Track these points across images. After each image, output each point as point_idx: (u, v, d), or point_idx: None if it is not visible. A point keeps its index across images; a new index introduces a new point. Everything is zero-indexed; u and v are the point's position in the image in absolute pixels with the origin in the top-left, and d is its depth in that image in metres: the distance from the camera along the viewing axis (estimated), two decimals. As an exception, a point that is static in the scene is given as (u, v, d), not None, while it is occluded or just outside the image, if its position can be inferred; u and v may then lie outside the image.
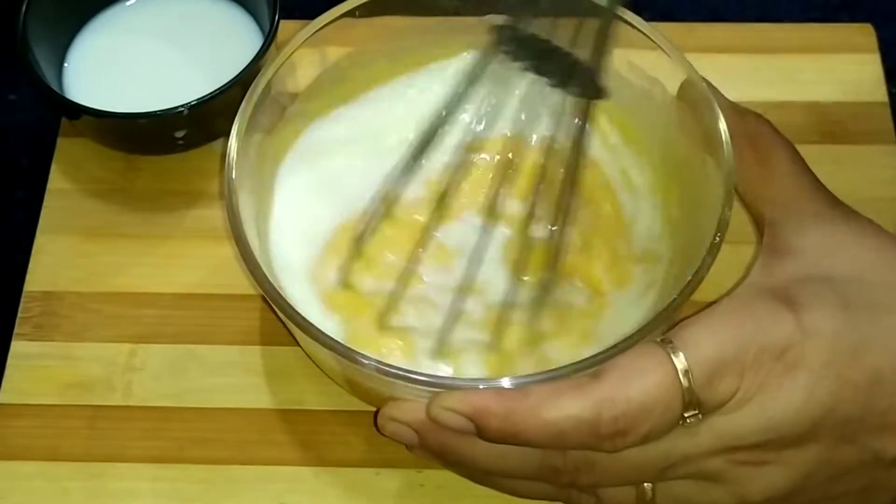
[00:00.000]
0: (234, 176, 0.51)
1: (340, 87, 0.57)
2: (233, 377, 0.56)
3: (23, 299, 0.59)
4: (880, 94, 0.63)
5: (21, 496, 0.54)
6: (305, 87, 0.56)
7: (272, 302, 0.49)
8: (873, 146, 0.62)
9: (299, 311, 0.48)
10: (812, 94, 0.63)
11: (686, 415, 0.44)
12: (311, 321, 0.48)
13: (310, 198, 0.56)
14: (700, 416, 0.44)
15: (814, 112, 0.63)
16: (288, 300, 0.48)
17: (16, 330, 0.58)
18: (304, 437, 0.55)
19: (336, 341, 0.47)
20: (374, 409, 0.53)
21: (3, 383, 0.56)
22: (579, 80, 0.47)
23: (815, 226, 0.49)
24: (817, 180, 0.50)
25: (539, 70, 0.48)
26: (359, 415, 0.54)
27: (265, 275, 0.49)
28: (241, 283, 0.58)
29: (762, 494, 0.46)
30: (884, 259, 0.48)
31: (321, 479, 0.54)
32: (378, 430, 0.49)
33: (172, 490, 0.54)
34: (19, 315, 0.58)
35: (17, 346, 0.57)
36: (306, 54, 0.55)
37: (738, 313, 0.46)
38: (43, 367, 0.57)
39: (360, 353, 0.47)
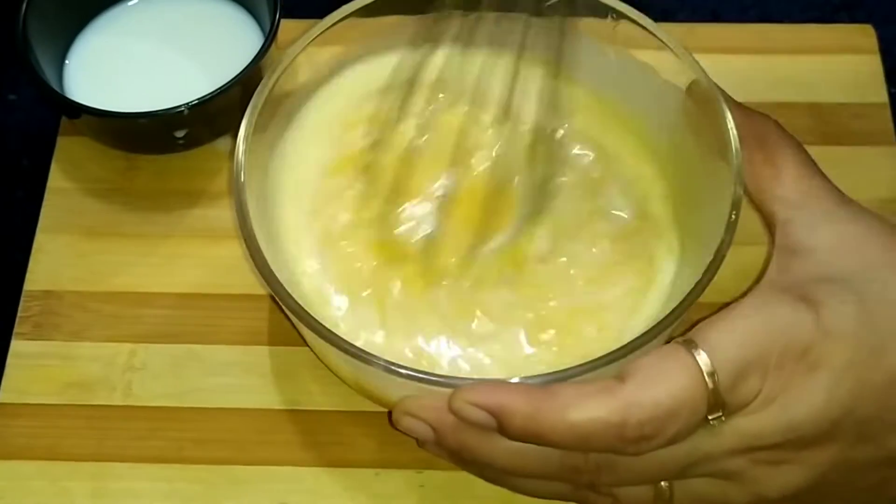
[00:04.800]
0: (242, 179, 0.51)
1: (347, 85, 0.57)
2: (233, 377, 0.56)
3: (22, 298, 0.59)
4: (880, 94, 0.63)
5: (21, 496, 0.54)
6: (312, 86, 0.56)
7: (283, 304, 0.49)
8: (873, 147, 0.62)
9: (311, 313, 0.48)
10: (812, 95, 0.64)
11: (710, 416, 0.44)
12: (322, 321, 0.48)
13: (313, 195, 0.56)
14: (723, 417, 0.44)
15: (814, 113, 0.63)
16: (298, 301, 0.48)
17: (15, 329, 0.58)
18: (305, 437, 0.55)
19: (348, 342, 0.47)
20: (377, 409, 0.54)
21: (3, 383, 0.56)
22: None
23: (826, 225, 0.49)
24: (826, 179, 0.51)
25: None
26: (359, 415, 0.54)
27: (274, 274, 0.49)
28: (241, 283, 0.58)
29: (779, 493, 0.46)
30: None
31: (321, 479, 0.54)
32: (392, 425, 0.49)
33: (172, 490, 0.54)
34: (19, 314, 0.58)
35: (16, 346, 0.57)
36: (314, 53, 0.55)
37: (760, 313, 0.46)
38: (42, 367, 0.57)
39: (371, 355, 0.47)
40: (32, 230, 0.61)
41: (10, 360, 0.57)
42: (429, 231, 0.53)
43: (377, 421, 0.54)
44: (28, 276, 0.59)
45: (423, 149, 0.55)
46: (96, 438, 0.55)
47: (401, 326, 0.52)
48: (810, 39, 0.66)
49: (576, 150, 0.56)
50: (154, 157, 0.63)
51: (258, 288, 0.58)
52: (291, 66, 0.54)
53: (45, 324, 0.58)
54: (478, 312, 0.52)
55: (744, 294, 0.48)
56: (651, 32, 0.54)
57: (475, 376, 0.50)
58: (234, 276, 0.59)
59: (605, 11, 0.54)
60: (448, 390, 0.46)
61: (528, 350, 0.51)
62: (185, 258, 0.60)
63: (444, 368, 0.51)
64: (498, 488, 0.51)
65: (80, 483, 0.54)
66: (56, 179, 0.62)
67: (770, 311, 0.46)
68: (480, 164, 0.55)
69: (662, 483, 0.47)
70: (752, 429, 0.45)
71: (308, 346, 0.55)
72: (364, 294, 0.52)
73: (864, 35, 0.65)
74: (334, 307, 0.52)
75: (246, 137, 0.51)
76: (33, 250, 0.60)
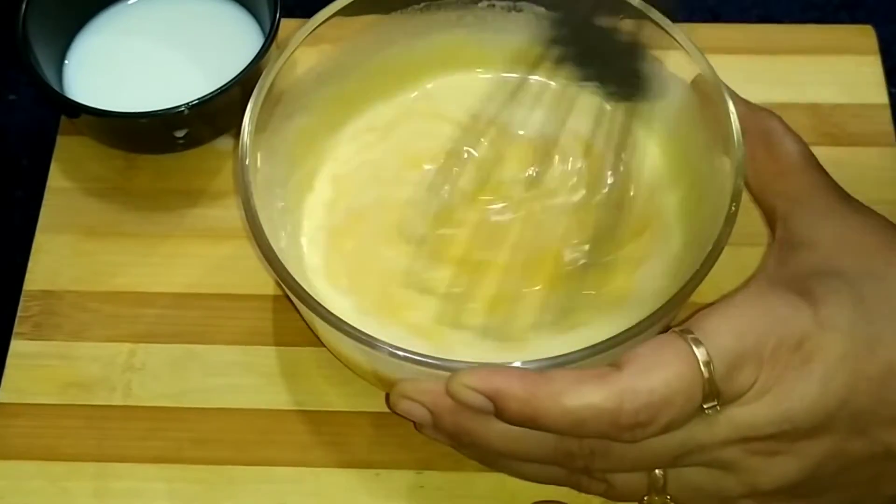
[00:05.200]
0: (250, 182, 0.51)
1: (350, 81, 0.57)
2: (233, 377, 0.56)
3: (22, 298, 0.59)
4: (880, 95, 0.63)
5: (20, 496, 0.54)
6: (314, 82, 0.56)
7: (299, 300, 0.49)
8: (873, 148, 0.62)
9: (329, 308, 0.48)
10: (812, 96, 0.64)
11: (705, 406, 0.45)
12: (336, 313, 0.48)
13: (321, 190, 0.57)
14: (718, 407, 0.45)
15: (813, 113, 0.63)
16: (316, 297, 0.49)
17: (15, 329, 0.58)
18: (305, 437, 0.55)
19: (368, 335, 0.47)
20: (377, 409, 0.54)
21: (3, 383, 0.56)
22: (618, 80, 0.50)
23: (827, 220, 0.49)
24: (828, 176, 0.51)
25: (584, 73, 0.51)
26: (360, 416, 0.55)
27: (288, 272, 0.49)
28: (241, 283, 0.58)
29: (773, 484, 0.47)
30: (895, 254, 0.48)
31: (321, 480, 0.54)
32: (390, 408, 0.49)
33: (172, 490, 0.54)
34: (19, 314, 0.58)
35: (16, 346, 0.57)
36: (310, 51, 0.55)
37: (757, 304, 0.46)
38: (42, 367, 0.57)
39: (400, 349, 0.47)
40: (32, 230, 0.61)
41: (10, 360, 0.57)
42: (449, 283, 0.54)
43: (378, 421, 0.54)
44: (28, 276, 0.59)
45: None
46: (96, 438, 0.55)
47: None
48: (810, 39, 0.66)
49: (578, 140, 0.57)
50: (154, 156, 0.63)
51: (257, 288, 0.58)
52: (290, 61, 0.54)
53: (45, 324, 0.58)
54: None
55: (743, 285, 0.48)
56: (659, 25, 0.54)
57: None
58: (234, 276, 0.59)
59: (613, 6, 0.55)
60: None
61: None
62: (186, 258, 0.60)
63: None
64: (498, 488, 0.51)
65: (80, 483, 0.54)
66: (56, 179, 0.62)
67: (767, 303, 0.46)
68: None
69: (657, 471, 0.47)
70: (747, 419, 0.45)
71: (311, 329, 0.55)
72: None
73: (864, 35, 0.65)
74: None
75: (250, 135, 0.52)
76: (33, 250, 0.60)
